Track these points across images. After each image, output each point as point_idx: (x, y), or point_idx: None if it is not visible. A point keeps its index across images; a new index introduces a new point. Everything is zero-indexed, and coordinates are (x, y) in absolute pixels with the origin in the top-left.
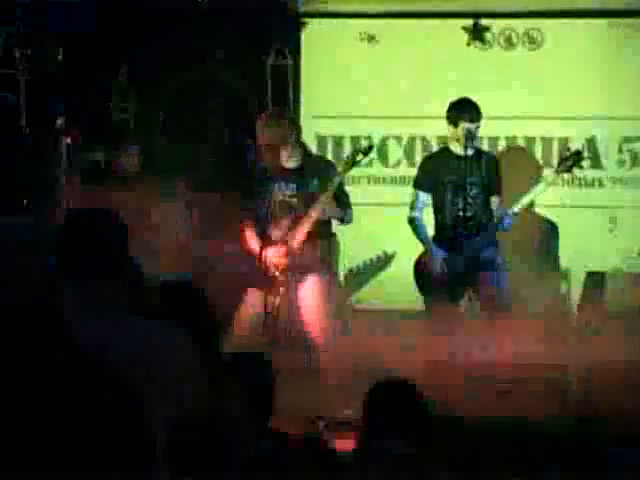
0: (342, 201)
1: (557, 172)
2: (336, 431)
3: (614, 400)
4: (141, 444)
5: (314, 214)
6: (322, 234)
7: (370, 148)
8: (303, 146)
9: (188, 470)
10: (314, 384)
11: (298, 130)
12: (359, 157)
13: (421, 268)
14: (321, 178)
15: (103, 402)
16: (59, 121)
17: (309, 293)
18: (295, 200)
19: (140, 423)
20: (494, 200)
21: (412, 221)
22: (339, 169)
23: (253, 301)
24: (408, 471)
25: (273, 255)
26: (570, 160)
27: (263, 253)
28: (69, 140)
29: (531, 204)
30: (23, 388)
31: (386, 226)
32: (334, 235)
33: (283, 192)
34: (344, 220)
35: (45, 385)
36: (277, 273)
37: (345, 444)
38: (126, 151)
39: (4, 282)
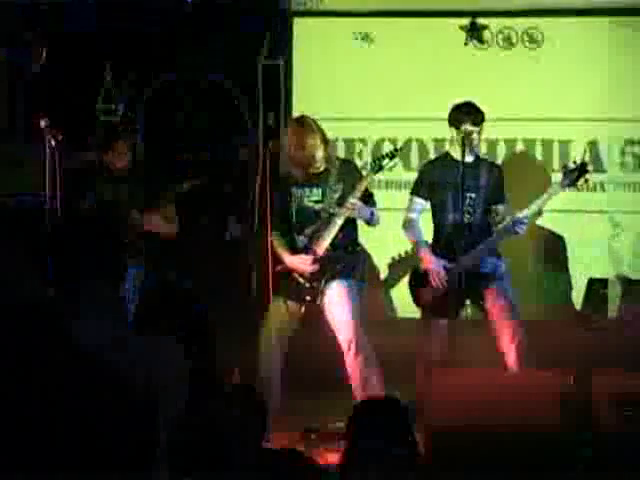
0: (370, 203)
1: (562, 185)
2: (327, 443)
3: None
4: (141, 444)
5: (340, 221)
6: (348, 241)
7: (396, 151)
8: (327, 150)
9: (188, 470)
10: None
11: (324, 136)
12: (385, 162)
13: (418, 278)
14: (346, 182)
15: (102, 402)
16: (43, 122)
17: (336, 300)
18: (321, 206)
19: (140, 423)
20: (500, 209)
21: (407, 222)
22: (365, 174)
23: (278, 310)
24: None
25: (299, 262)
26: (575, 172)
27: (289, 260)
28: (53, 142)
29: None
30: (23, 388)
31: (381, 232)
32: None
33: (308, 198)
34: (372, 221)
35: (45, 385)
36: (303, 281)
37: (335, 457)
38: (115, 149)
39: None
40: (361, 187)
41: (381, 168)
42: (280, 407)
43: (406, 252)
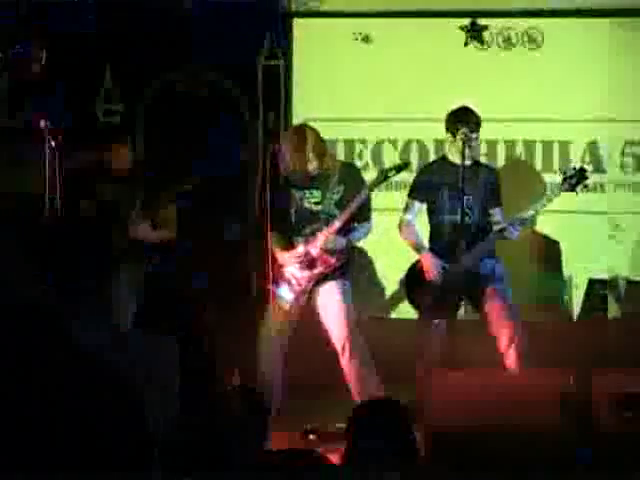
0: (363, 215)
1: (560, 191)
2: (327, 443)
3: None
4: (141, 444)
5: (338, 222)
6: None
7: (405, 165)
8: (326, 159)
9: (188, 470)
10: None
11: (324, 145)
12: (391, 173)
13: (415, 278)
14: (347, 185)
15: (103, 402)
16: (43, 122)
17: (331, 301)
18: (320, 207)
19: (140, 423)
20: (496, 212)
21: (403, 223)
22: (367, 183)
23: (278, 310)
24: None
25: (289, 257)
26: (574, 178)
27: (286, 261)
28: (53, 142)
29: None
30: (23, 388)
31: (380, 232)
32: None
33: (308, 199)
34: (351, 243)
35: (45, 385)
36: (295, 281)
37: (336, 457)
38: (115, 149)
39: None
40: (360, 199)
41: (386, 179)
42: (280, 407)
43: (405, 252)
